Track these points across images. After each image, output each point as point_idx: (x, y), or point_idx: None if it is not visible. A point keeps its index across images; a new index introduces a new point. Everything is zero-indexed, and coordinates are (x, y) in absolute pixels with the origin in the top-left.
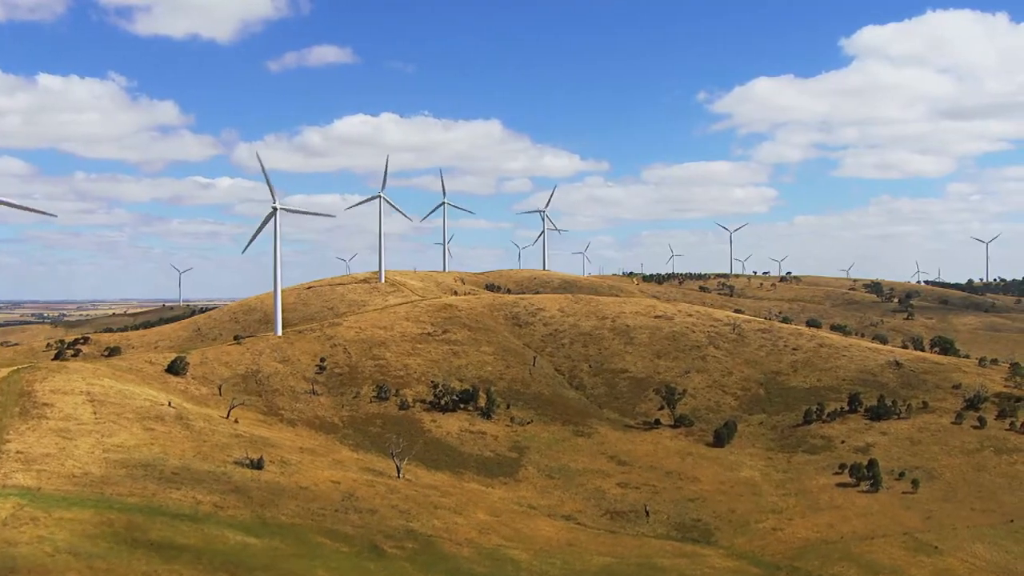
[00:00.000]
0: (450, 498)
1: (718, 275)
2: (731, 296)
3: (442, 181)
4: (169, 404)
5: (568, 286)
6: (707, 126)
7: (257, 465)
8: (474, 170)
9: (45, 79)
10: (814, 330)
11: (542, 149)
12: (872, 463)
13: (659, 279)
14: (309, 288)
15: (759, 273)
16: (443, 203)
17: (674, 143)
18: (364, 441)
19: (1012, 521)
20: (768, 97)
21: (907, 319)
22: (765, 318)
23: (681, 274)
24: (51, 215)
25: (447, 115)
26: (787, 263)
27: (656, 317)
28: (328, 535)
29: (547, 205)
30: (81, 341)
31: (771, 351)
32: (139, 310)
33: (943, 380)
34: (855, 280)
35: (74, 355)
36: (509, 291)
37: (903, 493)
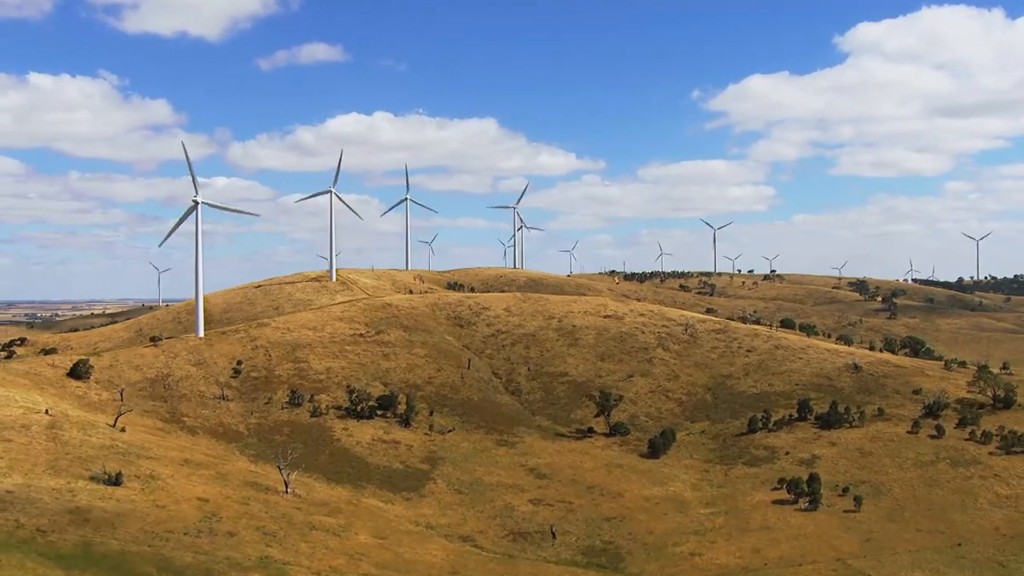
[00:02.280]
0: (337, 517)
1: (701, 273)
2: (711, 295)
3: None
4: (47, 412)
5: (534, 284)
6: (702, 124)
7: (115, 481)
8: (469, 169)
9: (36, 78)
10: (771, 330)
11: (538, 148)
12: (813, 478)
13: (641, 277)
14: (258, 287)
15: (744, 271)
16: (406, 199)
17: (670, 142)
18: (267, 451)
19: (960, 544)
20: (763, 95)
21: (890, 318)
22: (738, 318)
23: (664, 272)
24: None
25: (441, 113)
26: (784, 262)
27: (605, 317)
28: (158, 565)
29: (518, 202)
30: (17, 342)
31: (723, 353)
32: (116, 310)
33: (903, 385)
34: (840, 278)
35: (7, 357)
36: (473, 289)
37: (844, 512)
